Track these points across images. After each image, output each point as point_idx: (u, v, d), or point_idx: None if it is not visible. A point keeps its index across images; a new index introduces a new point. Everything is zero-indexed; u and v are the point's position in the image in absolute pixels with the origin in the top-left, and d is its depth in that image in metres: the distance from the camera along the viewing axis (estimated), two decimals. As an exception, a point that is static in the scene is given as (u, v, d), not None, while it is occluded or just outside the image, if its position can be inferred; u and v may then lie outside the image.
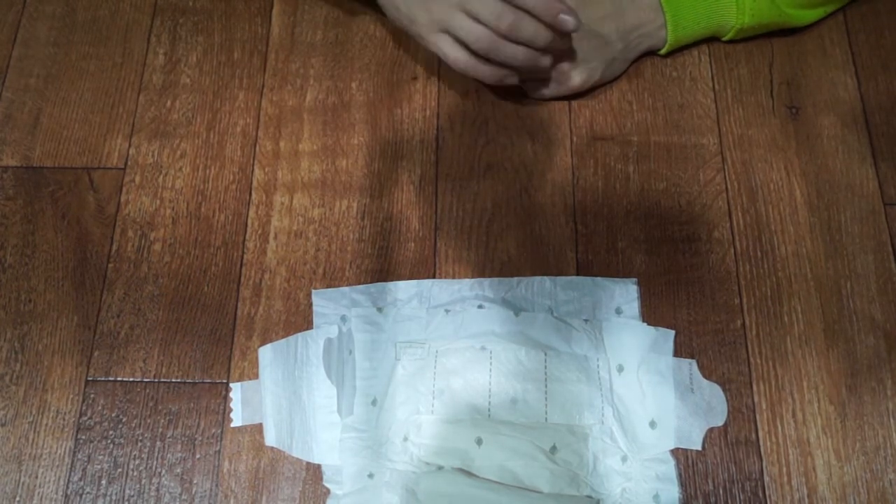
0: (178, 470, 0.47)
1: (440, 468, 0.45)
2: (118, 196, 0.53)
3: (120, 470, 0.47)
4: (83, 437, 0.47)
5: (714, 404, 0.46)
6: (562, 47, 0.49)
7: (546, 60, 0.49)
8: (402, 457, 0.45)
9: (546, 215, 0.52)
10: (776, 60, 0.56)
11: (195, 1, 0.59)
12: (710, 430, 0.46)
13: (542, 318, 0.48)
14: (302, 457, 0.46)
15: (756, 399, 0.47)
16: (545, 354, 0.46)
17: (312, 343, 0.47)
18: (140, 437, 0.47)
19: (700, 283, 0.50)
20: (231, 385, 0.48)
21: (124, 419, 0.48)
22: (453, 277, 0.50)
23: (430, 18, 0.47)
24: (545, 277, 0.49)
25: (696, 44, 0.56)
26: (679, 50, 0.56)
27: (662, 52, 0.55)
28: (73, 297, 0.51)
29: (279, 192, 0.53)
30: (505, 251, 0.51)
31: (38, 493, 0.46)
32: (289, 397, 0.47)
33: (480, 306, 0.48)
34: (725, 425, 0.46)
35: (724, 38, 0.55)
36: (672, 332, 0.48)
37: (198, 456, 0.47)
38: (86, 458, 0.47)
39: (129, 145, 0.55)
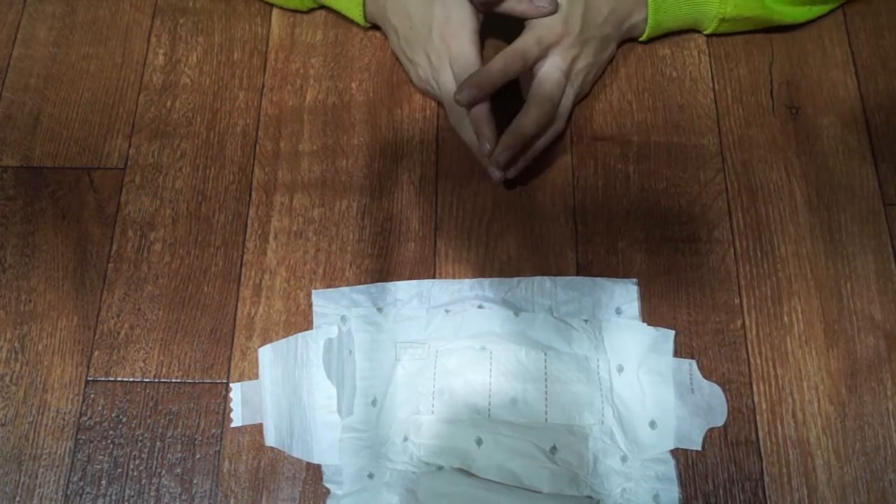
0: (178, 470, 0.47)
1: (440, 468, 0.45)
2: (118, 196, 0.53)
3: (120, 470, 0.47)
4: (83, 437, 0.47)
5: (714, 404, 0.46)
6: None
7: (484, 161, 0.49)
8: (402, 457, 0.45)
9: (546, 215, 0.52)
10: (776, 60, 0.56)
11: (195, 1, 0.59)
12: (710, 430, 0.46)
13: (542, 318, 0.48)
14: (302, 457, 0.46)
15: (756, 399, 0.47)
16: (545, 354, 0.46)
17: (312, 343, 0.47)
18: (140, 437, 0.47)
19: (700, 283, 0.50)
20: (231, 385, 0.48)
21: (124, 419, 0.48)
22: (453, 277, 0.50)
23: (430, 65, 0.51)
24: (545, 277, 0.49)
25: (695, 43, 0.56)
26: (660, 37, 0.55)
27: (643, 38, 0.55)
28: (73, 297, 0.51)
29: (279, 192, 0.53)
30: (505, 251, 0.51)
31: (38, 493, 0.46)
32: (289, 397, 0.47)
33: (480, 306, 0.48)
34: (725, 425, 0.46)
35: (707, 32, 0.55)
36: (672, 332, 0.48)
37: (198, 456, 0.47)
38: (86, 458, 0.47)
39: (129, 145, 0.55)
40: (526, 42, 0.48)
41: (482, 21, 0.49)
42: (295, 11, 0.58)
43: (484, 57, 0.49)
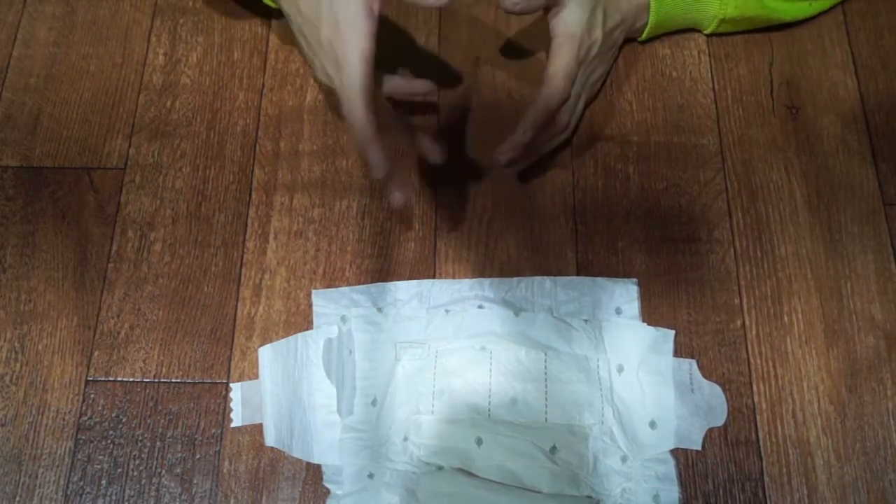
0: (178, 470, 0.47)
1: (440, 468, 0.45)
2: (118, 196, 0.53)
3: (120, 470, 0.47)
4: (83, 437, 0.47)
5: (714, 404, 0.46)
6: None
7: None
8: (402, 457, 0.45)
9: (546, 215, 0.52)
10: (776, 60, 0.56)
11: (195, 1, 0.59)
12: (710, 430, 0.46)
13: (542, 318, 0.48)
14: (302, 457, 0.46)
15: (756, 399, 0.47)
16: (545, 354, 0.46)
17: (312, 343, 0.47)
18: (140, 437, 0.47)
19: (700, 283, 0.50)
20: (231, 385, 0.48)
21: (124, 419, 0.48)
22: (453, 277, 0.50)
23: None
24: (545, 277, 0.49)
25: (695, 43, 0.56)
26: (659, 37, 0.56)
27: (641, 38, 0.55)
28: (73, 297, 0.51)
29: (279, 192, 0.53)
30: (505, 251, 0.51)
31: (38, 493, 0.46)
32: (289, 397, 0.47)
33: (480, 306, 0.48)
34: (725, 425, 0.46)
35: (707, 31, 0.55)
36: (672, 332, 0.48)
37: (198, 456, 0.47)
38: (86, 458, 0.47)
39: (129, 145, 0.55)
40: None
41: (377, 19, 0.40)
42: None
43: (378, 63, 0.41)
